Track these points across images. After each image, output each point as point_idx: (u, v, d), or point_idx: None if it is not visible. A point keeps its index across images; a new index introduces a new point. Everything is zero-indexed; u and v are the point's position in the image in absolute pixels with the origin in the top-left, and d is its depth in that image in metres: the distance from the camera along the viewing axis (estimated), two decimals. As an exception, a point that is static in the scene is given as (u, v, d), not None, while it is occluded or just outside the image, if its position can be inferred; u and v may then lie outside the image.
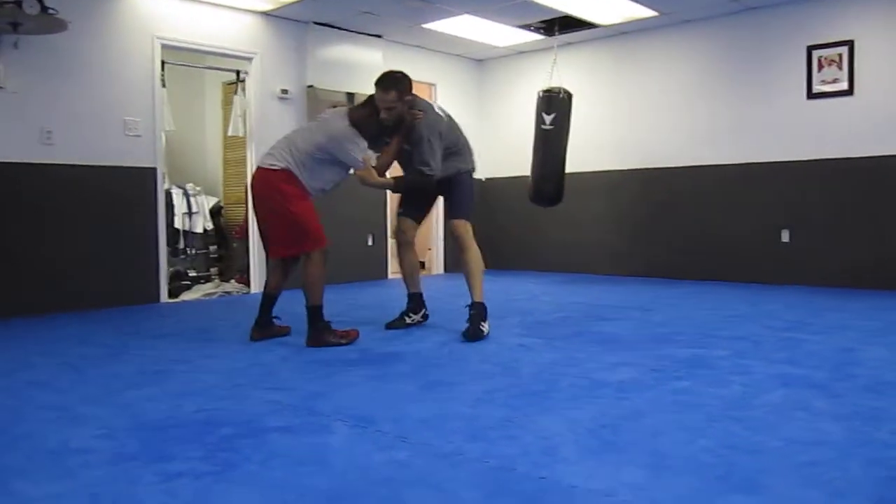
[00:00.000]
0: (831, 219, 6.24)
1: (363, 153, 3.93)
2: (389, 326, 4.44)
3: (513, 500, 1.82)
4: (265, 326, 4.14)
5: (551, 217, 7.83)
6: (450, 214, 4.38)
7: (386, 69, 4.36)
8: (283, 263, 4.11)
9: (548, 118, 6.68)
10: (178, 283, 6.52)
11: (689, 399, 2.75)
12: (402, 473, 2.03)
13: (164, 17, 5.89)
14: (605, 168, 7.61)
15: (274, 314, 4.16)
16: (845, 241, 6.18)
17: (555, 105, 6.68)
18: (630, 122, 7.47)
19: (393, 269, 7.81)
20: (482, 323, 4.13)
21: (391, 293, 6.33)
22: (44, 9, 4.71)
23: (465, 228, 4.25)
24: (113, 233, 5.58)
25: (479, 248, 4.31)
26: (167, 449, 2.24)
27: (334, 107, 4.73)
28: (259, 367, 3.42)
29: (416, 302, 4.53)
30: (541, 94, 6.78)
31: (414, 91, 4.14)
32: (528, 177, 7.22)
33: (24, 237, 5.14)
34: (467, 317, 4.17)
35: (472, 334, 4.05)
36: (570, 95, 6.74)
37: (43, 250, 5.22)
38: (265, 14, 6.53)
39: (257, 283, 6.57)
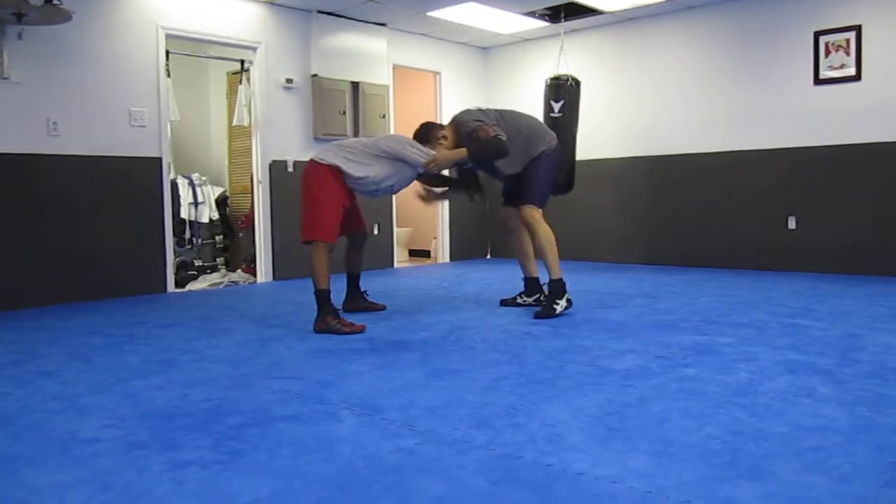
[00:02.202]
0: (838, 205, 6.22)
1: (422, 152, 4.23)
2: (503, 303, 4.84)
3: (520, 487, 1.83)
4: (355, 299, 4.67)
5: (556, 205, 7.79)
6: (519, 201, 4.50)
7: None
8: (350, 242, 4.59)
9: (556, 106, 6.65)
10: (185, 273, 6.54)
11: (695, 386, 2.75)
12: (410, 461, 2.04)
13: (169, 6, 5.88)
14: (609, 155, 7.59)
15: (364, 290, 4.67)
16: (852, 227, 6.15)
17: (563, 92, 6.65)
18: (635, 108, 7.44)
19: (399, 258, 7.83)
20: (556, 301, 4.34)
21: (398, 282, 6.34)
22: (48, -1, 4.71)
23: (532, 214, 4.42)
24: (119, 223, 5.60)
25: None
26: (175, 438, 2.25)
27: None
28: (266, 357, 3.43)
29: (530, 286, 4.77)
30: (548, 81, 6.74)
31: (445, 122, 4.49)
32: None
33: (30, 228, 5.16)
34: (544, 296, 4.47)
35: (544, 313, 4.30)
36: (578, 82, 6.71)
37: (50, 241, 5.24)
38: (269, 3, 6.51)
39: (263, 273, 6.59)
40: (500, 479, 1.89)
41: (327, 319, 3.96)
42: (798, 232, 6.45)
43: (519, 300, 4.80)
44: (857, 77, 6.09)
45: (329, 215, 4.11)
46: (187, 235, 6.70)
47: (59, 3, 4.79)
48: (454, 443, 2.17)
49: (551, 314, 4.28)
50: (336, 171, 4.10)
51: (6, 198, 5.05)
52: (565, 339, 3.72)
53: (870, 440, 2.12)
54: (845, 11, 6.13)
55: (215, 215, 6.98)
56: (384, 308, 4.71)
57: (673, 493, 1.77)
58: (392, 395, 2.70)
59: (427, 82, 8.26)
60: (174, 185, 6.46)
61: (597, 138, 7.53)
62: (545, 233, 4.43)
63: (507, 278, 6.41)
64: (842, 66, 6.16)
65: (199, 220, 6.79)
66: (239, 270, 6.95)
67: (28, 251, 5.15)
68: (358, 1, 6.53)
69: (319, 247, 4.08)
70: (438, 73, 8.14)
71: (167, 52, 5.99)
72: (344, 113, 6.96)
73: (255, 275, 6.69)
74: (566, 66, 6.88)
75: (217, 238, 7.07)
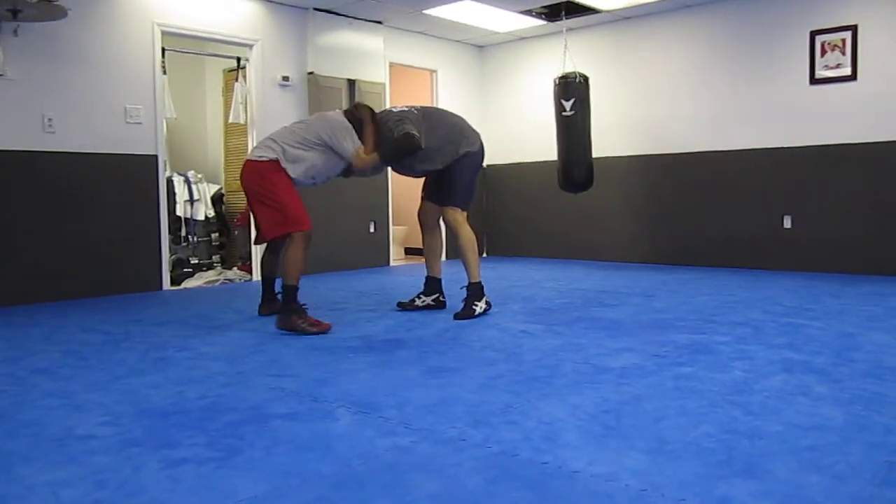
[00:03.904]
0: (834, 205, 6.23)
1: (355, 145, 4.10)
2: (400, 306, 4.62)
3: (516, 486, 1.83)
4: (271, 303, 4.45)
5: (553, 204, 7.83)
6: (441, 202, 4.43)
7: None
8: (272, 248, 4.40)
9: (567, 104, 6.66)
10: (181, 271, 6.53)
11: (691, 384, 2.76)
12: (406, 459, 2.04)
13: (165, 3, 5.86)
14: (606, 154, 7.59)
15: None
16: (847, 227, 6.17)
17: (573, 90, 6.66)
18: (634, 108, 7.45)
19: (395, 256, 7.83)
20: (475, 303, 4.30)
21: (394, 280, 6.34)
22: (43, -5, 4.70)
23: (455, 216, 4.35)
24: (115, 221, 5.59)
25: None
26: (171, 435, 2.25)
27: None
28: (262, 354, 3.43)
29: (430, 285, 4.63)
30: (557, 80, 6.74)
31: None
32: (531, 163, 7.22)
33: (25, 225, 5.14)
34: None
35: (463, 313, 4.24)
36: (586, 79, 6.71)
37: (44, 238, 5.22)
38: (266, 0, 6.50)
39: (259, 271, 6.57)
40: (495, 477, 1.89)
41: (293, 318, 3.85)
42: (794, 231, 6.47)
43: (417, 301, 4.60)
44: (853, 77, 6.10)
45: (294, 204, 3.97)
46: (183, 233, 6.68)
47: (54, -1, 4.77)
48: (450, 441, 2.18)
49: (471, 315, 4.25)
50: (277, 163, 3.96)
51: (0, 194, 5.04)
52: (561, 337, 3.72)
53: (865, 439, 2.12)
54: (841, 11, 6.14)
55: (211, 213, 6.97)
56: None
57: (669, 491, 1.78)
58: (388, 393, 2.70)
59: (423, 80, 8.25)
60: (170, 182, 6.44)
61: (598, 136, 7.51)
62: (468, 235, 4.37)
63: (503, 276, 6.41)
64: (838, 66, 6.17)
65: (194, 217, 6.77)
66: (234, 268, 6.94)
67: (23, 248, 5.13)
68: (354, -2, 6.53)
69: (297, 239, 3.94)
70: (435, 71, 8.14)
71: (163, 50, 5.97)
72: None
73: (250, 272, 6.68)
74: (571, 64, 6.90)
75: (213, 236, 7.06)
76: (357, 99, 6.95)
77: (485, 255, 8.62)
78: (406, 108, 4.32)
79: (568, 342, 3.59)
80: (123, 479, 1.91)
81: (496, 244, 8.66)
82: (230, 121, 7.02)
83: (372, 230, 7.48)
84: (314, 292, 4.71)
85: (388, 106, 7.38)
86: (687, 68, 7.06)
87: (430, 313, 4.48)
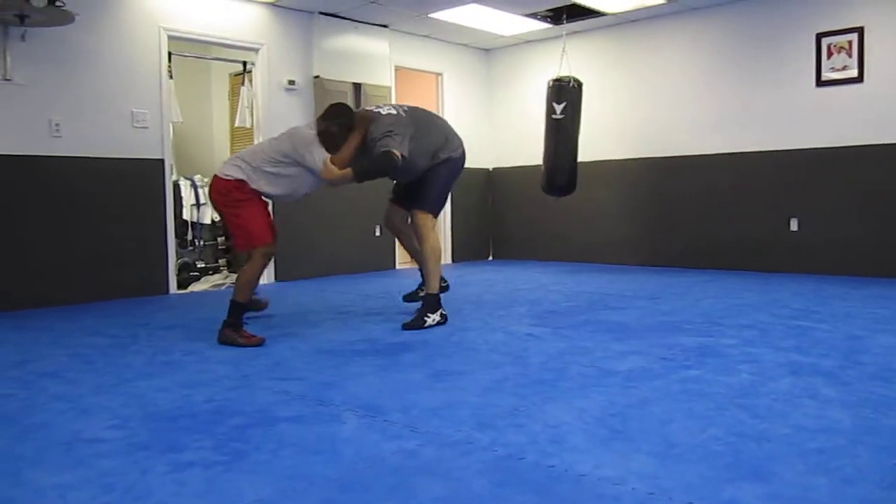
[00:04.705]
0: (840, 207, 6.21)
1: (320, 157, 3.92)
2: (406, 298, 4.62)
3: (522, 489, 1.83)
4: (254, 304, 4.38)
5: (559, 207, 7.82)
6: (413, 205, 4.32)
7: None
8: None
9: (558, 108, 6.65)
10: (187, 275, 6.54)
11: (698, 387, 2.75)
12: (412, 462, 2.04)
13: (171, 8, 5.89)
14: (612, 157, 7.59)
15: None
16: (854, 229, 6.14)
17: (565, 94, 6.65)
18: (638, 110, 7.44)
19: (401, 260, 7.83)
20: (428, 314, 4.18)
21: (401, 283, 6.33)
22: (51, 1, 4.71)
23: (425, 220, 4.24)
24: (121, 224, 5.60)
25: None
26: (178, 439, 2.25)
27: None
28: (267, 358, 3.43)
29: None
30: (550, 83, 6.74)
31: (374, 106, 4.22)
32: (536, 166, 7.20)
33: (32, 229, 5.16)
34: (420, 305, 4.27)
35: (412, 324, 4.13)
36: (580, 84, 6.71)
37: (52, 242, 5.24)
38: (271, 4, 6.52)
39: (265, 274, 6.58)
40: (502, 480, 1.89)
41: (230, 331, 3.79)
42: (800, 233, 6.45)
43: (421, 293, 4.49)
44: (860, 79, 6.08)
45: (256, 221, 3.92)
46: (189, 237, 6.69)
47: (61, 4, 4.79)
48: (456, 444, 2.17)
49: (420, 326, 4.11)
50: (242, 183, 3.89)
51: (8, 199, 5.06)
52: (567, 340, 3.72)
53: (873, 442, 2.12)
54: (847, 13, 6.12)
55: (217, 217, 6.98)
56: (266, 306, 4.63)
57: (676, 495, 1.77)
58: (394, 397, 2.70)
59: (429, 84, 8.26)
60: (176, 186, 6.46)
61: (598, 140, 7.53)
62: (433, 243, 4.26)
63: (508, 279, 6.41)
64: (844, 68, 6.15)
65: (201, 221, 6.79)
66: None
67: (30, 252, 5.15)
68: (360, 2, 6.54)
69: (255, 256, 3.91)
70: (440, 75, 8.14)
71: (170, 54, 6.00)
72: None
73: (257, 276, 6.69)
74: (568, 68, 6.90)
75: (219, 240, 7.07)
76: (362, 102, 6.95)
77: (490, 257, 8.62)
78: (394, 112, 4.13)
79: (574, 345, 3.58)
80: (131, 482, 1.92)
81: (502, 247, 8.65)
82: (236, 124, 7.05)
83: (377, 233, 7.48)
84: (321, 296, 4.71)
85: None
86: (692, 71, 7.05)
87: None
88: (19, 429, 2.41)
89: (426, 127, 4.23)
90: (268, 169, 3.91)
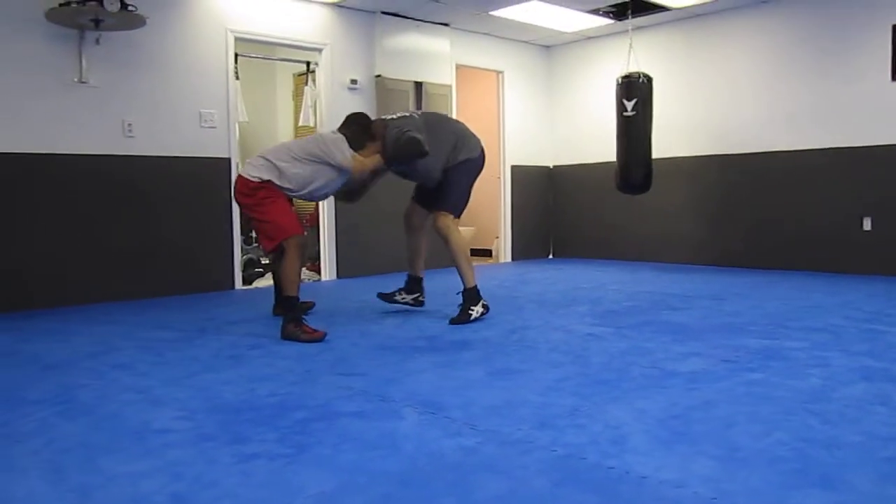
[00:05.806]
0: (917, 205, 5.97)
1: (348, 153, 4.13)
2: (381, 296, 4.67)
3: (582, 489, 1.82)
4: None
5: (620, 205, 7.72)
6: (435, 206, 4.40)
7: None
8: (276, 256, 4.34)
9: (629, 105, 6.57)
10: (252, 271, 6.68)
11: (764, 391, 2.68)
12: (471, 459, 2.04)
13: (237, 10, 6.02)
14: (679, 154, 7.44)
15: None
16: (932, 228, 5.90)
17: (635, 91, 6.56)
18: (706, 106, 7.29)
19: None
20: (471, 308, 4.28)
21: (448, 283, 6.34)
22: (123, 5, 4.88)
23: (446, 222, 4.31)
24: (190, 222, 5.77)
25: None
26: (243, 431, 2.31)
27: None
28: (330, 353, 3.49)
29: (412, 284, 4.68)
30: (620, 80, 6.65)
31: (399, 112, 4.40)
32: (597, 164, 7.14)
33: (105, 226, 5.35)
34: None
35: (458, 319, 4.22)
36: (650, 80, 6.61)
37: (123, 238, 5.42)
38: (334, 5, 6.61)
39: (328, 271, 6.70)
40: (562, 479, 1.89)
41: (291, 327, 3.85)
42: (873, 233, 6.22)
43: (397, 297, 4.64)
44: (939, 72, 5.84)
45: (282, 215, 4.04)
46: (254, 234, 6.83)
47: (133, 8, 4.96)
48: (516, 442, 2.17)
49: (466, 320, 4.21)
50: (266, 182, 4.02)
51: (84, 197, 5.26)
52: (628, 340, 3.67)
53: (951, 451, 2.03)
54: (927, 4, 5.88)
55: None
56: (313, 305, 4.75)
57: (740, 500, 1.74)
58: (454, 394, 2.71)
59: (490, 81, 8.25)
60: (242, 184, 6.60)
61: (667, 136, 7.38)
62: (459, 241, 4.34)
63: (569, 277, 6.36)
64: (922, 61, 5.91)
65: (265, 218, 6.92)
66: (304, 268, 7.07)
67: (101, 248, 5.34)
68: (421, 1, 6.57)
69: (290, 249, 3.99)
70: (501, 73, 8.12)
71: (236, 55, 6.14)
72: (407, 113, 7.01)
73: (319, 272, 6.80)
74: (636, 63, 6.79)
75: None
76: (424, 101, 6.99)
77: (550, 256, 8.57)
78: (407, 115, 4.33)
79: (635, 345, 3.54)
80: (198, 472, 1.97)
81: (562, 245, 8.59)
82: (300, 123, 7.17)
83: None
84: (372, 295, 4.77)
85: (454, 108, 7.42)
86: (760, 65, 6.87)
87: (494, 316, 4.47)
88: (94, 418, 2.50)
89: (439, 128, 4.35)
90: (294, 169, 4.06)
